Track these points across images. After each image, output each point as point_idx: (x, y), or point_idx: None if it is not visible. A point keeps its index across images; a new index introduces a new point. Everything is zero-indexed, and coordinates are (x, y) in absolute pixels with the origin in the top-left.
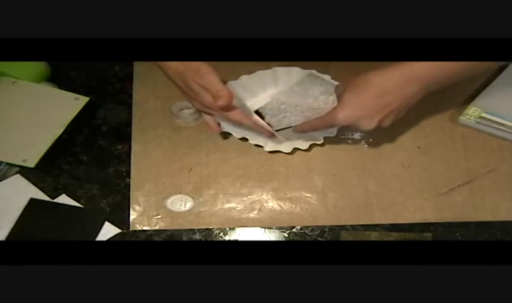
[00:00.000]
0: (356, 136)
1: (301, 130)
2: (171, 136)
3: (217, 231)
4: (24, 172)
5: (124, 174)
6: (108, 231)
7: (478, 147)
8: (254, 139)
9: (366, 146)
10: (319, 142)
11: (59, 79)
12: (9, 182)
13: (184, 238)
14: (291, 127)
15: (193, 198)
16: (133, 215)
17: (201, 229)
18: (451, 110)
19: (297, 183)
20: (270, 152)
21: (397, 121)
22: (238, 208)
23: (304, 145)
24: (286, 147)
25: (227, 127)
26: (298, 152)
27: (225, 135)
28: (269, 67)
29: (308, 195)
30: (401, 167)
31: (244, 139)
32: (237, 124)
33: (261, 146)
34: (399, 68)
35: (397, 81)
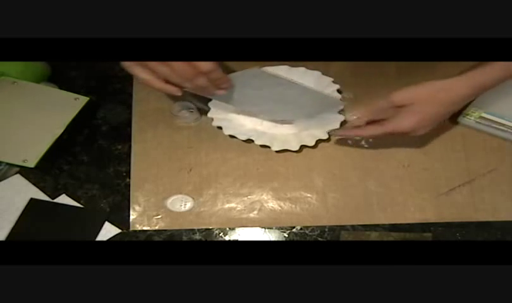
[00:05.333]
0: None
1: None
2: (171, 136)
3: (217, 231)
4: (24, 172)
5: (124, 174)
6: (108, 231)
7: (478, 147)
8: (260, 140)
9: (366, 146)
10: (324, 138)
11: (59, 79)
12: (9, 182)
13: (184, 238)
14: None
15: (193, 198)
16: (133, 215)
17: (201, 229)
18: None
19: (297, 183)
20: (277, 151)
21: None
22: (238, 208)
23: (310, 142)
24: (293, 145)
25: (231, 130)
26: (298, 152)
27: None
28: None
29: (308, 195)
30: (401, 167)
31: (250, 141)
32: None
33: (268, 147)
34: (464, 78)
35: (464, 92)
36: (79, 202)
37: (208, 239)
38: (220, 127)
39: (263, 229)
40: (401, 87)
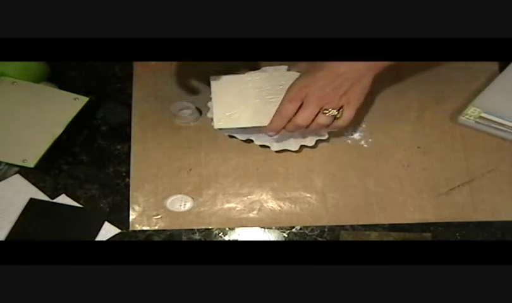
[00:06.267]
0: (356, 135)
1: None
2: (171, 136)
3: (216, 231)
4: (24, 172)
5: (124, 174)
6: (108, 231)
7: (478, 147)
8: (259, 140)
9: (366, 146)
10: (324, 138)
11: (59, 79)
12: (9, 182)
13: (184, 238)
14: None
15: (192, 198)
16: (132, 215)
17: (201, 229)
18: (451, 110)
19: (297, 183)
20: (276, 152)
21: (397, 121)
22: (238, 208)
23: (310, 142)
24: (293, 145)
25: (230, 131)
26: (298, 152)
27: (224, 134)
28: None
29: (308, 195)
30: (400, 167)
31: (249, 141)
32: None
33: (267, 147)
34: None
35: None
36: (78, 202)
37: (208, 239)
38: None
39: (263, 229)
40: (401, 85)
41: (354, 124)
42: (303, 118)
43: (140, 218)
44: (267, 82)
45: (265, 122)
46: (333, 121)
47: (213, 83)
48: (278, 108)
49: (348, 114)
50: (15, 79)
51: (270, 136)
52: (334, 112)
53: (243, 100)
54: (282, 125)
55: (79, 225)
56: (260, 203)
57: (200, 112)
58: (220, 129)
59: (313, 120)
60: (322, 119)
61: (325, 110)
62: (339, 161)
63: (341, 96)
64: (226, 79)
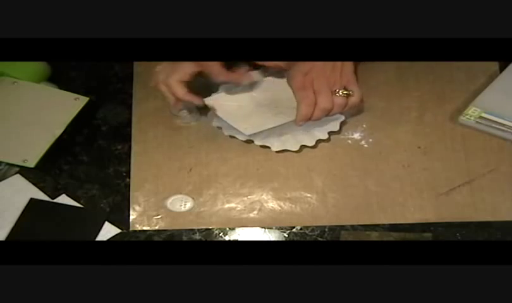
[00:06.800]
0: (356, 135)
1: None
2: (171, 136)
3: (217, 231)
4: (24, 171)
5: (124, 174)
6: (108, 231)
7: (478, 147)
8: (260, 141)
9: (366, 146)
10: (324, 138)
11: (59, 79)
12: (9, 182)
13: (184, 238)
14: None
15: (193, 198)
16: (133, 215)
17: (201, 229)
18: (451, 110)
19: (297, 183)
20: (277, 152)
21: (397, 121)
22: (238, 208)
23: (310, 142)
24: (293, 145)
25: (231, 130)
26: (298, 152)
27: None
28: None
29: (308, 195)
30: (401, 167)
31: (250, 141)
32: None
33: (268, 147)
34: None
35: None
36: (79, 202)
37: (208, 239)
38: (220, 127)
39: (263, 229)
40: (401, 85)
41: (355, 123)
42: (326, 101)
43: (140, 218)
44: (255, 91)
45: (286, 118)
46: (347, 100)
47: (209, 105)
48: (297, 98)
49: (357, 90)
50: (15, 79)
51: (301, 125)
52: (345, 91)
53: (254, 107)
54: (311, 111)
55: (79, 225)
56: (260, 203)
57: (200, 112)
58: (231, 136)
59: None
60: (339, 100)
61: (336, 92)
62: (339, 161)
63: (340, 77)
64: (218, 96)
